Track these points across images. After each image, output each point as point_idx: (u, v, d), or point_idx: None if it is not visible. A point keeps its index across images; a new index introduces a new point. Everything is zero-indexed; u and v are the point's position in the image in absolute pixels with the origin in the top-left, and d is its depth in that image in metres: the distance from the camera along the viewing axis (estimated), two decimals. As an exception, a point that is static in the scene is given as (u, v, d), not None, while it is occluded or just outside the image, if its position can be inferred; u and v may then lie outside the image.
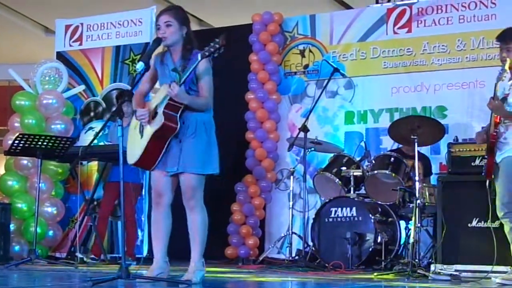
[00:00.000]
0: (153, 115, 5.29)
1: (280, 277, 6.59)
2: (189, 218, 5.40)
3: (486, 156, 6.00)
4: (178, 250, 6.17)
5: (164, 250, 5.51)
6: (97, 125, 9.35)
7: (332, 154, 8.45)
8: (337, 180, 8.04)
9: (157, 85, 5.63)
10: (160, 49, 5.46)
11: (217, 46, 5.12)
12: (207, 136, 5.36)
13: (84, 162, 9.20)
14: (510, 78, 5.93)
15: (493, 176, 5.98)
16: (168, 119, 5.17)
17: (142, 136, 5.30)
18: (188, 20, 5.49)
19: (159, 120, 5.18)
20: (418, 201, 6.86)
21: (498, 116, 5.85)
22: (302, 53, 9.46)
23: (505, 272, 6.02)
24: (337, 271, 7.18)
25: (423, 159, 7.92)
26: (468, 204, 6.69)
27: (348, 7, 11.47)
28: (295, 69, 9.50)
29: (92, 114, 9.91)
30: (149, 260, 5.86)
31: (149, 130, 5.26)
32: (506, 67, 5.85)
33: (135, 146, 5.34)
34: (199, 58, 5.14)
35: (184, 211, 5.41)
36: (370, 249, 7.51)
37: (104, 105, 9.75)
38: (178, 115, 5.22)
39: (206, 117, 5.38)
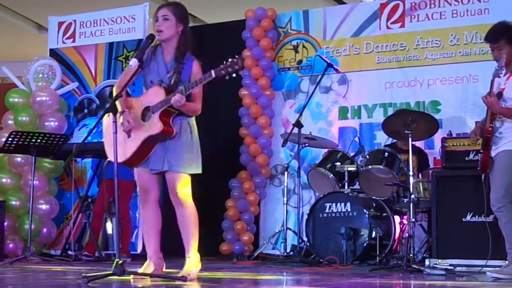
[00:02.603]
0: (142, 116, 5.30)
1: (275, 273, 6.59)
2: (179, 214, 5.43)
3: (481, 151, 6.02)
4: (173, 246, 6.18)
5: (157, 246, 5.53)
6: (90, 122, 9.33)
7: (326, 150, 8.45)
8: (331, 175, 8.04)
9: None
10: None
11: (236, 68, 5.11)
12: (192, 136, 5.43)
13: (78, 159, 9.20)
14: (505, 73, 5.95)
15: (488, 171, 6.00)
16: (165, 125, 5.24)
17: (129, 135, 5.28)
18: (187, 19, 5.51)
19: (157, 126, 5.22)
20: (413, 196, 6.87)
21: (494, 111, 5.90)
22: (295, 49, 9.45)
23: (499, 266, 6.03)
24: (332, 267, 7.19)
25: (419, 152, 7.93)
26: (462, 198, 6.72)
27: (341, 2, 11.46)
28: (289, 65, 9.49)
29: (85, 111, 9.89)
30: (143, 256, 5.85)
31: (143, 133, 5.26)
32: (503, 63, 5.88)
33: (121, 145, 5.28)
34: (213, 74, 5.13)
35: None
36: (365, 244, 7.52)
37: (97, 102, 9.73)
38: (171, 120, 5.28)
39: (190, 119, 5.45)
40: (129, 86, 5.51)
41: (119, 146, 5.16)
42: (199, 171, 5.46)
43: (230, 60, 5.12)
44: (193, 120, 5.47)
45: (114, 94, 5.44)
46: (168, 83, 5.34)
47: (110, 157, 5.42)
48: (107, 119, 5.43)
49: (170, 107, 5.23)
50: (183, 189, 5.39)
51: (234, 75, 5.14)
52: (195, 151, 5.44)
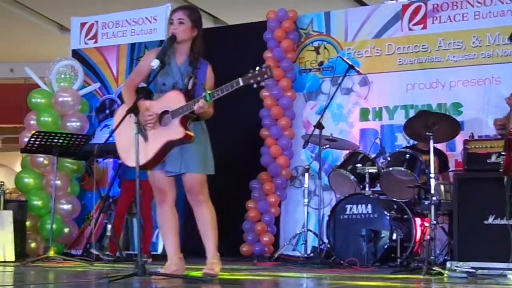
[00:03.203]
0: (159, 119, 5.31)
1: (295, 274, 6.59)
2: (199, 214, 5.46)
3: (503, 153, 5.98)
4: (194, 246, 6.20)
5: (177, 246, 5.53)
6: (112, 123, 9.36)
7: (347, 151, 8.44)
8: (352, 177, 8.02)
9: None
10: None
11: (266, 77, 5.13)
12: (206, 139, 5.46)
13: (100, 160, 9.24)
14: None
15: (511, 173, 5.96)
16: (187, 129, 5.25)
17: (146, 139, 5.28)
18: (201, 24, 5.52)
19: (179, 131, 5.24)
20: (434, 198, 6.84)
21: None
22: (317, 50, 9.45)
23: (521, 269, 6.00)
24: (352, 268, 7.17)
25: (439, 154, 7.89)
26: (484, 201, 6.66)
27: (362, 3, 11.45)
28: (310, 66, 9.49)
29: (107, 111, 9.95)
30: (164, 257, 5.87)
31: (163, 137, 5.27)
32: None
33: (140, 148, 5.28)
34: (241, 83, 5.14)
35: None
36: (386, 246, 7.50)
37: (119, 102, 9.76)
38: (188, 124, 5.31)
39: (204, 122, 5.48)
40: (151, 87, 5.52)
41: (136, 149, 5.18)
42: (213, 172, 5.48)
43: (258, 68, 5.12)
44: (205, 123, 5.50)
45: (124, 94, 5.47)
46: (184, 87, 5.35)
47: (124, 159, 5.44)
48: (119, 120, 5.41)
49: (192, 113, 5.24)
50: (201, 190, 5.41)
51: (262, 83, 5.17)
52: (209, 152, 5.47)
